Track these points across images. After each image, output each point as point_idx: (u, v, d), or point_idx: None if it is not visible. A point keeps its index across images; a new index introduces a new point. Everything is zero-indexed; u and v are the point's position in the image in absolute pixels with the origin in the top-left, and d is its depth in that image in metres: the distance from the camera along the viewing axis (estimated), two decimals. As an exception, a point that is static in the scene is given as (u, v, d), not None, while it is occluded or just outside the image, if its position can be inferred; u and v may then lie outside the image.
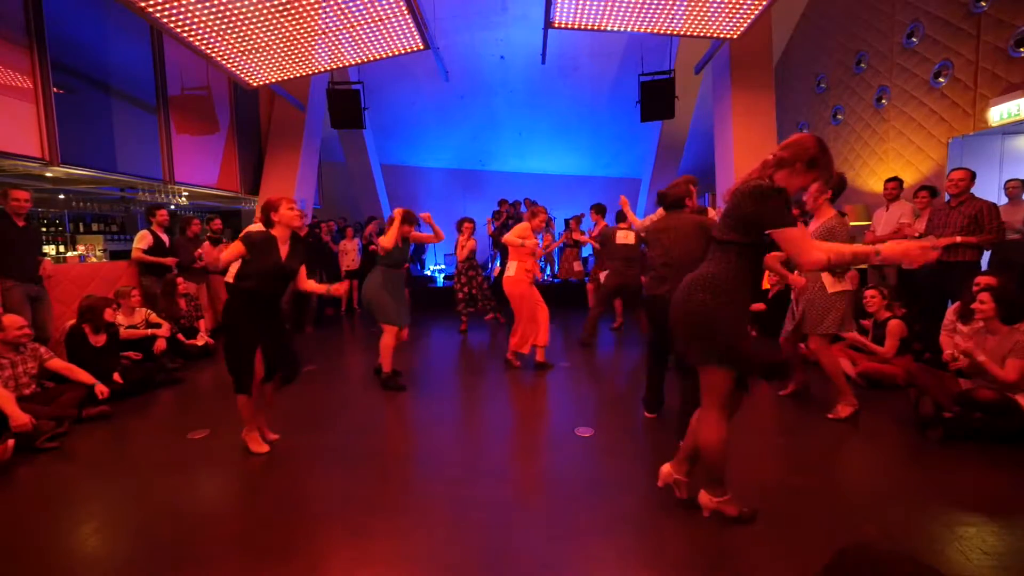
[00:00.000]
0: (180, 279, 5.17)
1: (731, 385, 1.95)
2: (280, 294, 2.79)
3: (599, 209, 6.04)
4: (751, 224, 1.81)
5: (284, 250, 2.73)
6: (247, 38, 4.70)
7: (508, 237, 4.17)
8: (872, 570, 0.77)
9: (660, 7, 4.92)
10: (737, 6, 4.85)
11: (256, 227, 4.34)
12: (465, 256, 5.92)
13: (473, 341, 5.68)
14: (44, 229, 6.42)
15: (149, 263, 5.11)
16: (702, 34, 5.46)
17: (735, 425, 3.15)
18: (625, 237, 4.83)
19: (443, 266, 10.28)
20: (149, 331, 4.46)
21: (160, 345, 4.43)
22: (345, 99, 6.82)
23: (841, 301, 3.04)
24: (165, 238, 5.22)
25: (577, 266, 7.54)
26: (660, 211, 3.10)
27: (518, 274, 4.16)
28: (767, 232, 1.79)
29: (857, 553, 0.82)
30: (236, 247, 2.64)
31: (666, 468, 2.20)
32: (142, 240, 5.06)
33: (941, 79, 5.56)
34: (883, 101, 6.43)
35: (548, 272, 8.92)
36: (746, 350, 1.88)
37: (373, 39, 5.18)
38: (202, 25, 4.36)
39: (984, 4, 5.03)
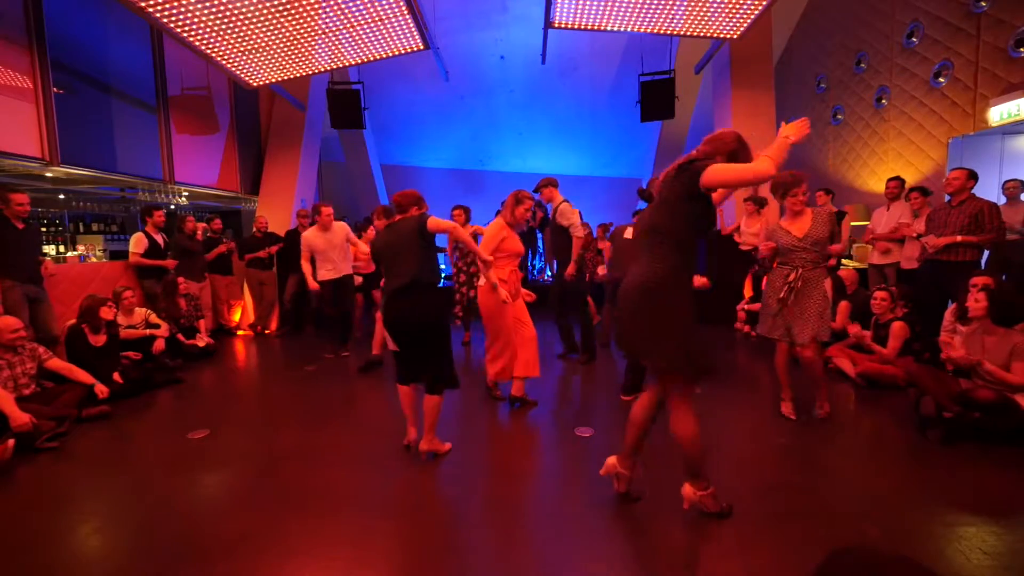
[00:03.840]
0: (181, 279, 5.17)
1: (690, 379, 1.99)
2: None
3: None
4: (687, 196, 1.86)
5: None
6: (247, 38, 4.70)
7: (480, 251, 3.04)
8: (866, 572, 0.77)
9: (660, 7, 4.92)
10: (737, 6, 4.85)
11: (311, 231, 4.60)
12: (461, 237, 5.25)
13: (470, 341, 5.68)
14: (44, 229, 6.41)
15: (147, 267, 5.12)
16: (702, 34, 5.46)
17: (736, 425, 3.17)
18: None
19: (443, 266, 10.27)
20: (148, 331, 4.46)
21: (159, 346, 4.43)
22: (345, 99, 6.82)
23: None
24: (160, 239, 5.21)
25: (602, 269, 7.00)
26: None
27: (490, 284, 3.28)
28: (703, 187, 1.81)
29: (850, 555, 0.81)
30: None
31: (611, 460, 2.24)
32: (138, 244, 5.05)
33: (941, 79, 5.56)
34: (883, 101, 6.43)
35: (548, 273, 8.90)
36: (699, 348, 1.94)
37: (373, 39, 5.18)
38: (202, 25, 4.36)
39: (984, 4, 5.03)
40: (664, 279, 1.90)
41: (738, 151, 1.91)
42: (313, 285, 4.60)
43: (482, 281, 3.42)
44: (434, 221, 2.52)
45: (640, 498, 2.22)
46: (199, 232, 5.75)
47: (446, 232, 2.57)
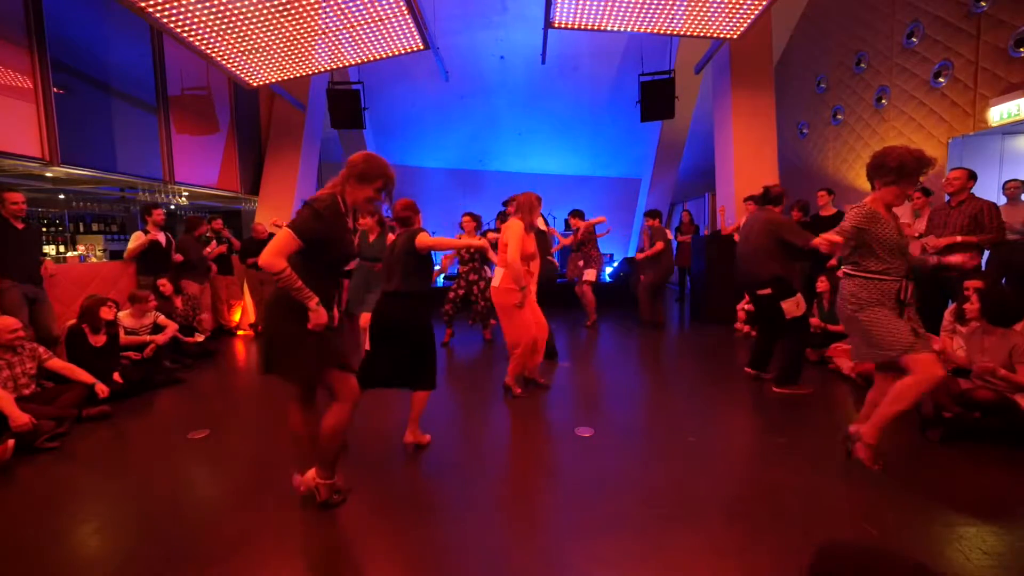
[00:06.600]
0: (162, 281, 5.02)
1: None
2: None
3: (577, 214, 6.21)
4: None
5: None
6: (247, 38, 4.70)
7: (511, 256, 3.36)
8: (866, 572, 0.76)
9: (660, 7, 4.92)
10: (737, 6, 4.85)
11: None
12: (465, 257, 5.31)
13: (468, 343, 5.68)
14: (44, 229, 6.42)
15: (147, 262, 5.11)
16: (702, 34, 5.46)
17: (738, 424, 3.18)
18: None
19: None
20: (148, 338, 4.42)
21: (149, 352, 4.37)
22: (345, 99, 6.82)
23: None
24: (160, 237, 5.19)
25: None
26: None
27: (505, 283, 3.45)
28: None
29: (850, 555, 0.81)
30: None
31: (309, 474, 2.22)
32: (135, 240, 5.06)
33: (941, 79, 5.56)
34: (883, 101, 6.43)
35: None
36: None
37: (373, 39, 5.18)
38: (202, 25, 4.36)
39: (984, 4, 5.03)
40: (280, 296, 2.02)
41: (365, 172, 2.04)
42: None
43: (495, 282, 3.54)
44: (422, 239, 2.60)
45: (344, 500, 2.22)
46: (207, 249, 5.71)
47: (434, 248, 2.62)
